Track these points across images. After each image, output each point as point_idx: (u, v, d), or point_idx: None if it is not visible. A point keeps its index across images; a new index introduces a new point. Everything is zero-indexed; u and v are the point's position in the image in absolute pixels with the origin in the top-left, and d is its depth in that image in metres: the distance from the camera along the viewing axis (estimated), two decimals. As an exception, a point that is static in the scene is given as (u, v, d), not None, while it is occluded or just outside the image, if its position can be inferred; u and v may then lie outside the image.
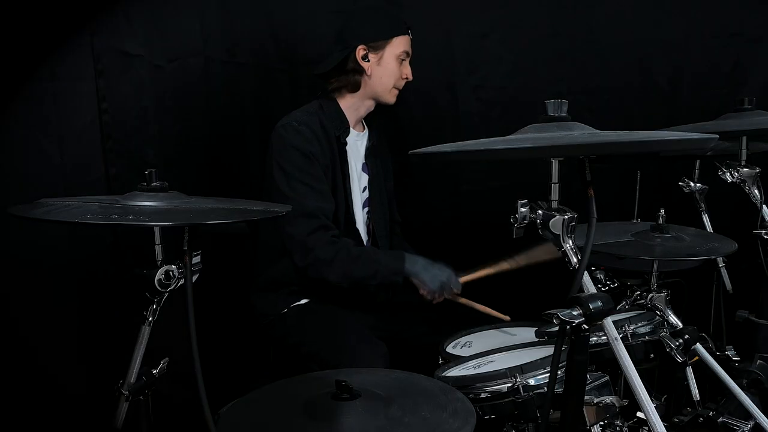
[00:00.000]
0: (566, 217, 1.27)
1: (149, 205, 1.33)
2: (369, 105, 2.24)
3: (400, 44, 2.16)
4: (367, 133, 2.31)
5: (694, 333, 1.76)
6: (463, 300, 2.19)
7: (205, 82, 2.34)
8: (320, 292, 2.17)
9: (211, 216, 1.32)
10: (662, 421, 1.31)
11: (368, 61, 2.15)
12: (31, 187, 1.65)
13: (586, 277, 1.27)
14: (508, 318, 2.13)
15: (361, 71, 2.16)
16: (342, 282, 2.06)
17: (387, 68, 2.16)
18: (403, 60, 2.18)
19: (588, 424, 1.45)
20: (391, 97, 2.22)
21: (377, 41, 2.14)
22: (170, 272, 1.31)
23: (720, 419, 1.85)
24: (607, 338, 1.29)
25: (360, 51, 2.15)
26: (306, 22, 2.54)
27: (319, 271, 2.04)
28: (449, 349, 1.90)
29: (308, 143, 2.07)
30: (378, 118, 2.36)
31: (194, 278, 1.33)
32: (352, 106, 2.22)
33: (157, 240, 1.34)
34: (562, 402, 1.27)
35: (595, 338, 1.64)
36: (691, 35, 2.50)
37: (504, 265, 2.10)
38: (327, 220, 2.05)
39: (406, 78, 2.20)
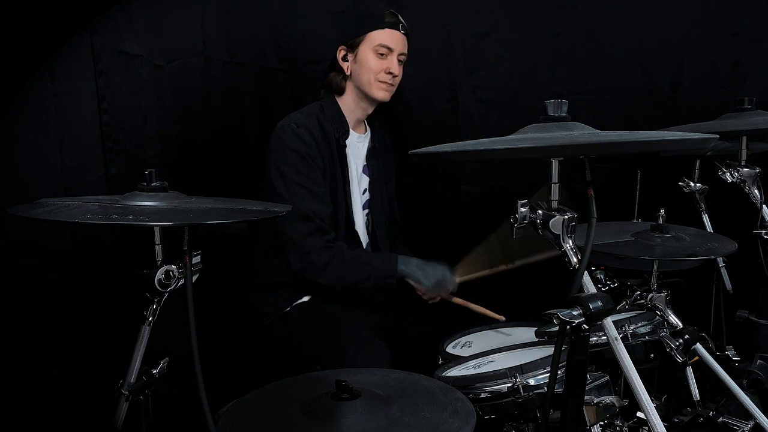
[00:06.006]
0: (566, 217, 1.27)
1: (149, 205, 1.33)
2: (365, 106, 2.22)
3: (375, 38, 2.12)
4: (369, 135, 2.30)
5: (694, 333, 1.76)
6: (458, 300, 2.19)
7: (205, 82, 2.34)
8: (321, 290, 2.17)
9: (211, 216, 1.32)
10: (662, 421, 1.31)
11: (347, 61, 2.16)
12: (31, 187, 1.65)
13: (586, 277, 1.27)
14: (503, 318, 2.13)
15: (342, 72, 2.16)
16: (335, 286, 2.07)
17: (364, 64, 2.13)
18: (382, 54, 2.13)
19: (588, 424, 1.45)
20: (376, 91, 2.15)
21: (353, 39, 2.14)
22: (170, 272, 1.31)
23: (720, 419, 1.85)
24: (607, 338, 1.29)
25: (340, 52, 2.16)
26: (306, 22, 2.55)
27: (314, 276, 2.06)
28: (449, 349, 1.90)
29: (306, 145, 2.07)
30: (379, 119, 2.36)
31: (194, 278, 1.33)
32: (349, 107, 2.22)
33: (157, 240, 1.34)
34: (562, 402, 1.27)
35: (595, 338, 1.64)
36: (691, 35, 2.50)
37: (500, 266, 2.09)
38: (323, 223, 2.05)
39: (391, 72, 2.13)
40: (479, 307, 2.18)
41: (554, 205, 1.31)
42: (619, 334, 1.41)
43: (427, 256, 2.37)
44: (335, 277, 2.05)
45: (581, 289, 1.26)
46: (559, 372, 1.28)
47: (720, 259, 2.23)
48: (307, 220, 2.02)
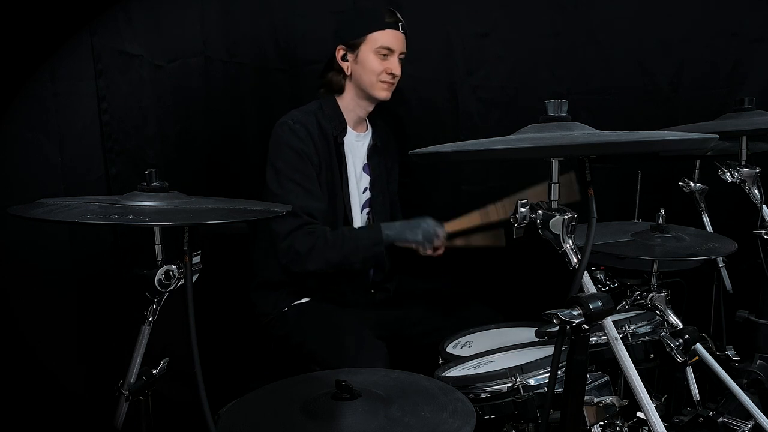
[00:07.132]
0: (566, 217, 1.27)
1: (149, 205, 1.33)
2: (365, 105, 2.22)
3: (377, 39, 2.12)
4: (369, 134, 2.30)
5: (694, 333, 1.76)
6: (458, 241, 2.15)
7: (205, 82, 2.34)
8: (320, 291, 2.17)
9: (211, 216, 1.32)
10: (662, 421, 1.31)
11: (347, 61, 2.16)
12: (31, 187, 1.65)
13: (586, 277, 1.27)
14: (503, 243, 2.10)
15: (342, 71, 2.16)
16: (326, 268, 2.06)
17: (365, 66, 2.13)
18: (385, 55, 2.13)
19: (588, 424, 1.45)
20: (378, 92, 2.16)
21: (353, 39, 2.14)
22: (170, 272, 1.31)
23: (720, 419, 1.85)
24: (607, 338, 1.29)
25: (339, 51, 2.16)
26: (306, 22, 2.55)
27: (300, 265, 2.04)
28: (449, 349, 1.90)
29: (302, 142, 2.07)
30: (381, 119, 2.36)
31: (194, 278, 1.33)
32: (348, 106, 2.21)
33: (157, 240, 1.34)
34: (562, 402, 1.27)
35: (595, 338, 1.64)
36: (691, 35, 2.50)
37: (492, 215, 2.07)
38: (310, 219, 2.05)
39: (392, 73, 2.14)
40: (479, 240, 2.13)
41: (554, 205, 1.31)
42: (619, 334, 1.41)
43: (427, 255, 2.37)
44: (321, 260, 2.04)
45: (581, 289, 1.26)
46: (559, 372, 1.28)
47: (720, 259, 2.23)
48: (295, 216, 2.01)
